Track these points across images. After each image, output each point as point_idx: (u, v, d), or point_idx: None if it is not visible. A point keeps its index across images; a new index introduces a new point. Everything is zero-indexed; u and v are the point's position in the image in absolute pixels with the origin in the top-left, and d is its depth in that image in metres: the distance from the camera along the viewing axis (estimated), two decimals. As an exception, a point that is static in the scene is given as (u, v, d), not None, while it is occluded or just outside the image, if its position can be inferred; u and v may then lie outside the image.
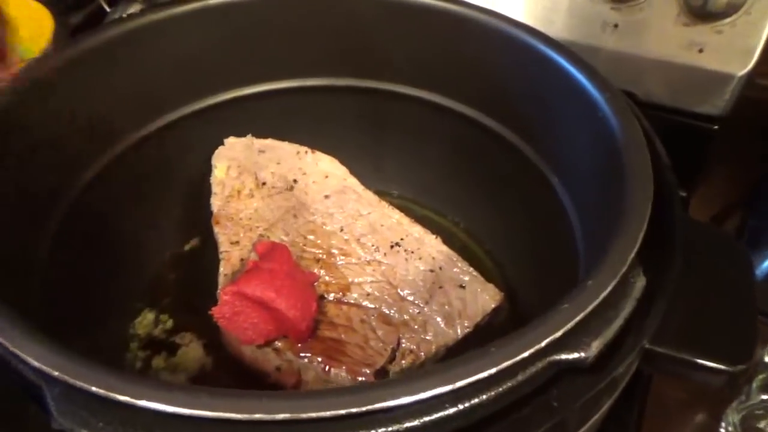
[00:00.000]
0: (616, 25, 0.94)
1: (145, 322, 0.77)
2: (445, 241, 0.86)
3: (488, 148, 0.80)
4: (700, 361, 0.46)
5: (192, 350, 0.73)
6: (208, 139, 0.81)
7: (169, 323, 0.77)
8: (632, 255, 0.45)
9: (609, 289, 0.43)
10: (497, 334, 0.70)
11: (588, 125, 0.63)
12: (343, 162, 0.94)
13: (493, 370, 0.38)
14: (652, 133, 0.61)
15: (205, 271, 0.74)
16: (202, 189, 0.79)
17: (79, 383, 0.35)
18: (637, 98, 0.97)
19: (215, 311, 0.60)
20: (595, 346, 0.42)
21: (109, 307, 0.76)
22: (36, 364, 0.37)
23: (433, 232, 0.89)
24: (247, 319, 0.61)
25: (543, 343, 0.39)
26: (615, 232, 0.47)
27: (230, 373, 0.70)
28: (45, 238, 0.65)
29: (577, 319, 0.41)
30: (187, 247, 0.87)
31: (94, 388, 0.35)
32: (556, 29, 0.97)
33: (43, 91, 0.64)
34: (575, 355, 0.41)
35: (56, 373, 0.36)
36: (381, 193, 0.97)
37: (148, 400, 0.35)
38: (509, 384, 0.39)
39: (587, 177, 0.65)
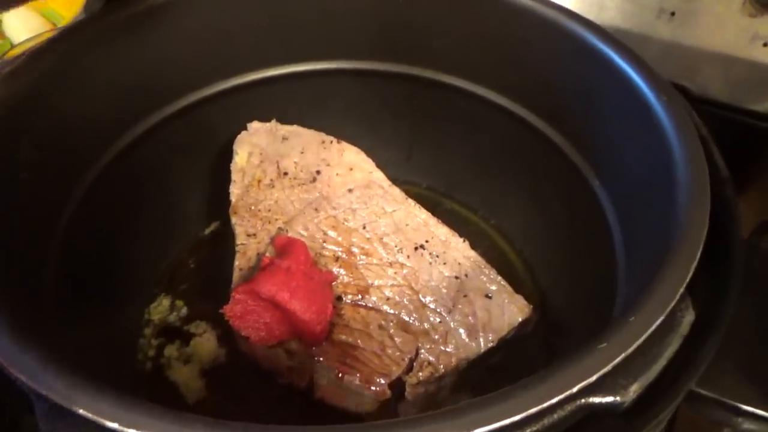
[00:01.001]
0: (673, 13, 0.87)
1: (161, 308, 0.76)
2: (474, 240, 0.82)
3: (527, 145, 0.75)
4: (757, 411, 0.41)
5: (205, 341, 0.71)
6: (232, 121, 0.78)
7: (184, 310, 0.75)
8: (682, 288, 0.40)
9: (654, 327, 0.38)
10: (522, 345, 0.69)
11: (639, 130, 0.57)
12: (373, 150, 0.90)
13: (516, 417, 0.34)
14: (712, 143, 0.55)
15: (224, 258, 0.72)
16: (225, 172, 0.76)
17: (66, 404, 0.33)
18: (690, 92, 0.90)
19: (227, 310, 0.58)
20: (633, 390, 0.38)
21: (126, 290, 0.74)
22: (23, 379, 0.34)
23: (461, 230, 0.84)
24: (259, 319, 0.58)
25: (575, 389, 0.35)
26: (664, 259, 0.42)
27: (243, 367, 0.67)
28: (64, 217, 0.63)
29: (616, 361, 0.36)
30: (207, 232, 0.85)
31: (81, 411, 0.33)
32: (608, 15, 0.90)
33: (69, 64, 0.61)
34: (609, 399, 0.37)
35: (43, 392, 0.33)
36: (410, 184, 0.94)
37: (139, 429, 0.32)
38: (532, 429, 0.35)
39: (633, 185, 0.60)
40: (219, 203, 0.76)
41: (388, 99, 0.85)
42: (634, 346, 0.37)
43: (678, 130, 0.53)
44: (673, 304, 0.40)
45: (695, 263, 0.42)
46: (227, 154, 0.76)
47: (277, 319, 0.58)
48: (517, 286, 0.77)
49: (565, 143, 0.71)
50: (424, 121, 0.86)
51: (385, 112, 0.87)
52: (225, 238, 0.74)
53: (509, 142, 0.79)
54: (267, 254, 0.63)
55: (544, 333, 0.72)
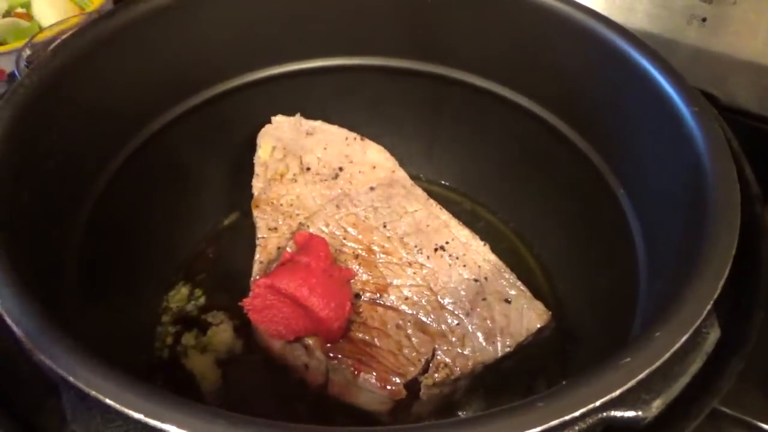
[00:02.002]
0: (704, 19, 0.85)
1: (179, 296, 0.76)
2: (492, 242, 0.81)
3: (551, 149, 0.75)
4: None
5: (222, 331, 0.72)
6: (255, 114, 0.78)
7: (202, 299, 0.76)
8: (709, 306, 0.40)
9: (679, 344, 0.38)
10: (536, 351, 0.68)
11: (668, 141, 0.56)
12: (395, 147, 0.90)
13: (537, 429, 0.34)
14: (743, 157, 0.54)
15: (242, 249, 0.72)
16: (246, 164, 0.76)
17: (93, 393, 0.33)
18: (718, 101, 0.89)
19: (246, 303, 0.58)
20: (656, 406, 0.37)
21: (146, 277, 0.75)
22: (51, 364, 0.35)
23: (480, 231, 0.84)
24: (278, 313, 0.58)
25: (598, 402, 0.35)
26: (690, 275, 0.42)
27: (258, 360, 0.68)
28: (87, 205, 0.64)
29: (640, 377, 0.36)
30: (227, 222, 0.85)
31: (108, 401, 0.33)
32: (636, 19, 0.89)
33: (95, 54, 0.62)
34: (631, 414, 0.37)
35: (72, 380, 0.34)
36: (431, 182, 0.94)
37: (163, 421, 0.32)
38: (552, 440, 0.35)
39: (659, 196, 0.59)
40: (239, 194, 0.77)
41: (413, 97, 0.85)
42: (659, 362, 0.37)
43: (709, 142, 0.52)
44: (699, 321, 0.39)
45: (723, 281, 0.41)
46: (249, 146, 0.76)
47: (295, 315, 0.58)
48: (534, 289, 0.76)
49: (591, 150, 0.70)
50: (448, 121, 0.86)
51: (409, 111, 0.87)
52: (244, 229, 0.74)
53: (533, 146, 0.78)
54: (288, 249, 0.63)
55: (558, 340, 0.72)
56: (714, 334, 0.41)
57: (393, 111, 0.87)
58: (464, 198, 0.90)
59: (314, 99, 0.83)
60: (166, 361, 0.71)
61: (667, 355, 0.37)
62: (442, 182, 0.92)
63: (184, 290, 0.77)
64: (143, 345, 0.72)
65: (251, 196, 0.70)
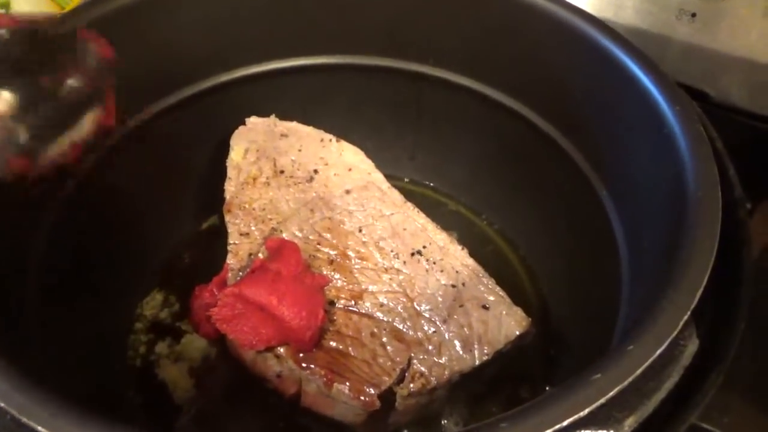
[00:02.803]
0: (693, 15, 0.83)
1: (154, 303, 0.74)
2: (477, 244, 0.80)
3: (535, 149, 0.73)
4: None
5: (196, 339, 0.70)
6: (232, 114, 0.76)
7: (177, 306, 0.74)
8: (685, 317, 0.38)
9: (653, 358, 0.36)
10: (521, 356, 0.66)
11: (650, 140, 0.54)
12: (378, 149, 0.88)
13: (499, 452, 0.32)
14: (727, 158, 0.52)
15: (220, 254, 0.70)
16: (223, 166, 0.74)
17: (24, 419, 0.31)
18: (710, 98, 0.87)
19: (214, 312, 0.56)
20: (629, 424, 0.35)
21: (118, 284, 0.73)
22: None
23: (464, 232, 0.83)
24: (247, 322, 0.56)
25: (566, 422, 0.33)
26: (667, 283, 0.40)
27: (233, 368, 0.66)
28: (54, 205, 0.62)
29: (611, 394, 0.34)
30: (204, 226, 0.83)
31: (41, 429, 0.31)
32: (626, 15, 0.86)
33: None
34: (602, 433, 0.35)
35: (2, 404, 0.32)
36: (416, 183, 0.92)
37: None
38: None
39: (641, 197, 0.57)
40: (217, 198, 0.74)
41: (394, 97, 0.83)
42: (631, 378, 0.35)
43: (690, 142, 0.50)
44: (675, 333, 0.37)
45: (700, 290, 0.39)
46: (226, 148, 0.74)
47: (265, 324, 0.56)
48: (519, 292, 0.75)
49: (574, 150, 0.68)
50: (430, 121, 0.84)
51: (389, 111, 0.85)
52: (222, 234, 0.72)
53: (517, 147, 0.76)
54: (260, 255, 0.61)
55: (543, 344, 0.70)
56: (692, 346, 0.39)
57: (373, 112, 0.85)
58: (449, 199, 0.88)
59: (293, 100, 0.81)
60: (139, 371, 0.69)
61: (640, 370, 0.35)
62: (427, 183, 0.90)
63: (159, 297, 0.75)
64: (116, 355, 0.70)
65: (224, 200, 0.68)
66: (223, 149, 0.75)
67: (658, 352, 0.36)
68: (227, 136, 0.75)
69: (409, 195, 0.72)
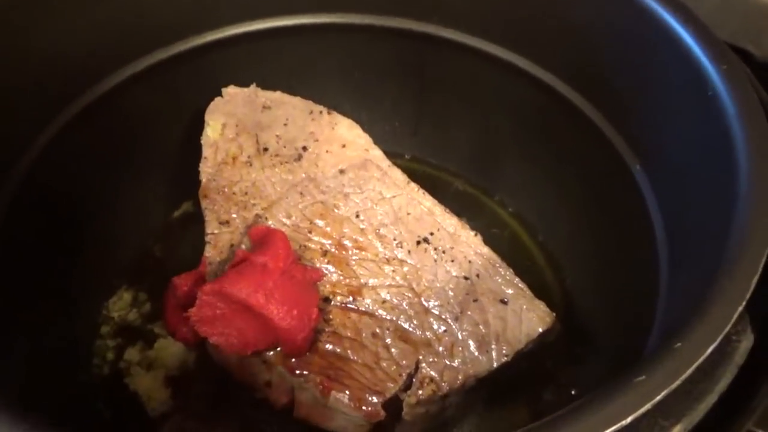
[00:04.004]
0: (734, -42, 0.82)
1: (121, 303, 0.73)
2: (489, 230, 0.78)
3: (556, 119, 0.72)
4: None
5: (171, 343, 0.69)
6: (206, 85, 0.74)
7: (147, 306, 0.73)
8: (740, 308, 0.37)
9: (705, 356, 0.35)
10: (542, 353, 0.66)
11: (691, 105, 0.53)
12: (375, 121, 0.86)
13: (530, 468, 0.31)
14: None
15: (195, 246, 0.69)
16: (197, 146, 0.73)
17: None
18: (753, 57, 0.85)
19: (192, 313, 0.55)
20: (677, 433, 0.35)
21: (81, 281, 0.71)
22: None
23: (474, 217, 0.81)
24: (230, 324, 0.55)
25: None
26: (716, 271, 0.39)
27: (215, 375, 0.65)
28: (4, 195, 0.61)
29: (656, 399, 0.33)
30: (176, 214, 0.82)
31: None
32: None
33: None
34: (647, 444, 0.34)
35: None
36: (417, 161, 0.90)
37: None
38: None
39: (681, 171, 0.56)
40: (190, 181, 0.73)
41: (393, 61, 0.81)
42: (680, 380, 0.34)
43: (740, 107, 0.49)
44: (728, 327, 0.36)
45: (756, 278, 0.38)
46: (200, 124, 0.73)
47: (251, 326, 0.55)
48: (538, 284, 0.74)
49: (601, 118, 0.67)
50: (436, 89, 0.82)
51: (389, 78, 0.83)
52: (196, 222, 0.71)
53: (535, 117, 0.75)
54: (243, 246, 0.60)
55: (567, 341, 0.69)
56: (747, 342, 0.38)
57: (369, 80, 0.83)
58: (456, 178, 0.87)
59: (277, 67, 0.79)
60: (106, 379, 0.68)
61: (690, 371, 0.35)
62: (430, 160, 0.89)
63: (127, 296, 0.74)
64: (80, 362, 0.69)
65: (199, 183, 0.67)
66: (197, 125, 0.73)
67: (710, 350, 0.35)
68: (201, 109, 0.73)
69: (410, 174, 0.71)
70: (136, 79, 0.71)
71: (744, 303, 0.37)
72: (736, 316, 0.37)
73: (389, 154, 0.75)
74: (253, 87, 0.72)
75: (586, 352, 0.69)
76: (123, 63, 0.70)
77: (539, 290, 0.64)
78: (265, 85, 0.74)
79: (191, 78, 0.75)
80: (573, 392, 0.67)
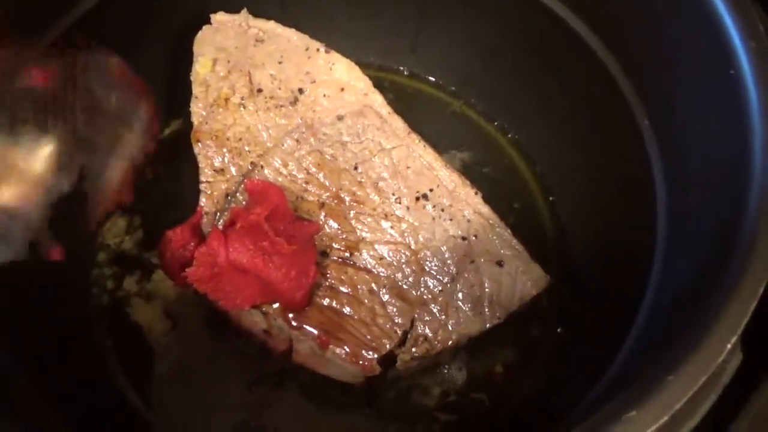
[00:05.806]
0: None
1: (116, 229, 0.73)
2: (488, 157, 0.75)
3: (564, 52, 0.68)
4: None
5: (169, 276, 0.69)
6: (191, 6, 0.68)
7: (140, 233, 0.72)
8: (735, 338, 0.38)
9: (696, 388, 0.36)
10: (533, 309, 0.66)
11: (712, 80, 0.50)
12: (373, 37, 0.80)
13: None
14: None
15: (186, 167, 0.67)
16: (185, 62, 0.68)
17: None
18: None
19: (190, 273, 0.55)
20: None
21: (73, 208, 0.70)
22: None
23: (472, 141, 0.77)
24: (229, 282, 0.55)
25: (594, 470, 0.34)
26: (722, 277, 0.39)
27: (215, 309, 0.66)
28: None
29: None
30: (167, 132, 0.79)
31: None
32: None
33: None
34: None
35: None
36: (415, 78, 0.85)
37: None
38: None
39: (692, 142, 0.55)
40: (180, 97, 0.69)
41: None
42: (670, 413, 0.36)
43: (764, 93, 0.46)
44: (722, 357, 0.37)
45: (755, 303, 0.38)
46: (185, 52, 0.68)
47: (249, 284, 0.55)
48: (533, 217, 0.75)
49: (614, 63, 0.64)
50: (437, 6, 0.76)
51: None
52: (189, 141, 0.68)
53: (541, 45, 0.71)
54: (239, 197, 0.59)
55: (558, 280, 0.69)
56: (735, 361, 0.39)
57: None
58: (455, 98, 0.83)
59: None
60: (107, 309, 0.69)
61: (680, 404, 0.36)
62: (429, 78, 0.84)
63: (121, 222, 0.73)
64: (79, 292, 0.70)
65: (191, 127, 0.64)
66: (183, 40, 0.68)
67: (702, 380, 0.37)
68: (187, 36, 0.68)
69: (407, 92, 0.66)
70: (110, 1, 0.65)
71: (740, 330, 0.38)
72: (731, 345, 0.37)
73: (386, 70, 0.71)
74: (244, 13, 0.65)
75: (575, 296, 0.71)
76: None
77: (534, 223, 0.63)
78: (258, 11, 0.67)
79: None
80: (559, 330, 0.70)
